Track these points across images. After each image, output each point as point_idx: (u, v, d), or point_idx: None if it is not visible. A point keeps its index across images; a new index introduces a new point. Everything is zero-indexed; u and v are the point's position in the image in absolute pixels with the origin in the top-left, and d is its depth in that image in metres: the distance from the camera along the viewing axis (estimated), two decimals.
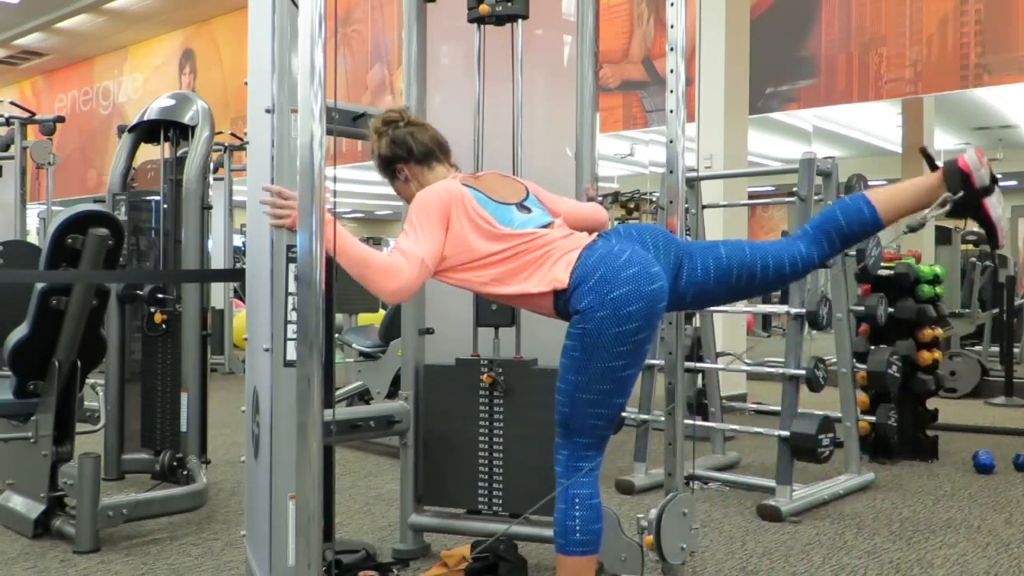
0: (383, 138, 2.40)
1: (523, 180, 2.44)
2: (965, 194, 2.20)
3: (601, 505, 2.21)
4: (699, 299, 2.31)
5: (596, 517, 2.18)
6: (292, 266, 2.23)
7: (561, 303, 2.14)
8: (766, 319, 12.30)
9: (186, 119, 4.10)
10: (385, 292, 2.12)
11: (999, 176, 2.25)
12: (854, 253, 4.19)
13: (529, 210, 2.29)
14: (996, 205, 2.22)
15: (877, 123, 11.60)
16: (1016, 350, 7.72)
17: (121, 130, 4.45)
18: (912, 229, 2.30)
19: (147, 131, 4.29)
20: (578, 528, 2.15)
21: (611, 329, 2.04)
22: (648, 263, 2.10)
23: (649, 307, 2.06)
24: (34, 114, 6.52)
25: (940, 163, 2.24)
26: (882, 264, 4.45)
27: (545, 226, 2.26)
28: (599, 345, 2.06)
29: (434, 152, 2.40)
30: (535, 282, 2.16)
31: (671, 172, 2.65)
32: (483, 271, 2.20)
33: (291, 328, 2.23)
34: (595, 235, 2.26)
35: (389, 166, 2.42)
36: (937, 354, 4.87)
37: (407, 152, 2.38)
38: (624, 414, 4.13)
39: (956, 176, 2.20)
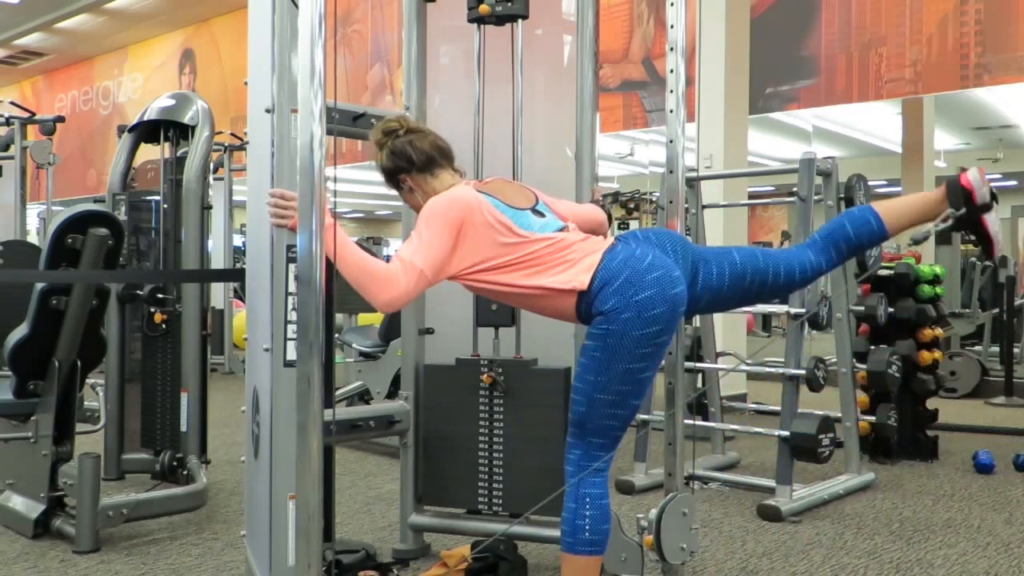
0: (383, 149, 2.38)
1: (528, 186, 2.43)
2: (967, 210, 2.30)
3: (610, 506, 2.22)
4: (713, 303, 2.34)
5: (606, 517, 2.19)
6: (292, 266, 2.23)
7: (584, 305, 2.16)
8: (766, 319, 12.30)
9: (186, 119, 4.10)
10: (378, 302, 2.11)
11: (999, 176, 2.31)
12: None
13: (543, 215, 2.30)
14: (994, 221, 2.33)
15: (877, 123, 11.61)
16: (1016, 350, 7.72)
17: (121, 130, 4.45)
18: (916, 242, 2.38)
19: (147, 131, 4.29)
20: (588, 527, 2.17)
21: (635, 331, 2.07)
22: (670, 267, 2.14)
23: (672, 310, 2.11)
24: (34, 114, 6.52)
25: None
26: (882, 264, 4.46)
27: (561, 230, 2.27)
28: (622, 346, 2.08)
29: (435, 159, 2.36)
30: (556, 280, 2.17)
31: (671, 172, 2.65)
32: (502, 272, 2.20)
33: (291, 328, 2.23)
34: (613, 238, 2.27)
35: (392, 177, 2.40)
36: (937, 354, 4.87)
37: (407, 162, 2.34)
38: None
39: (959, 193, 2.30)
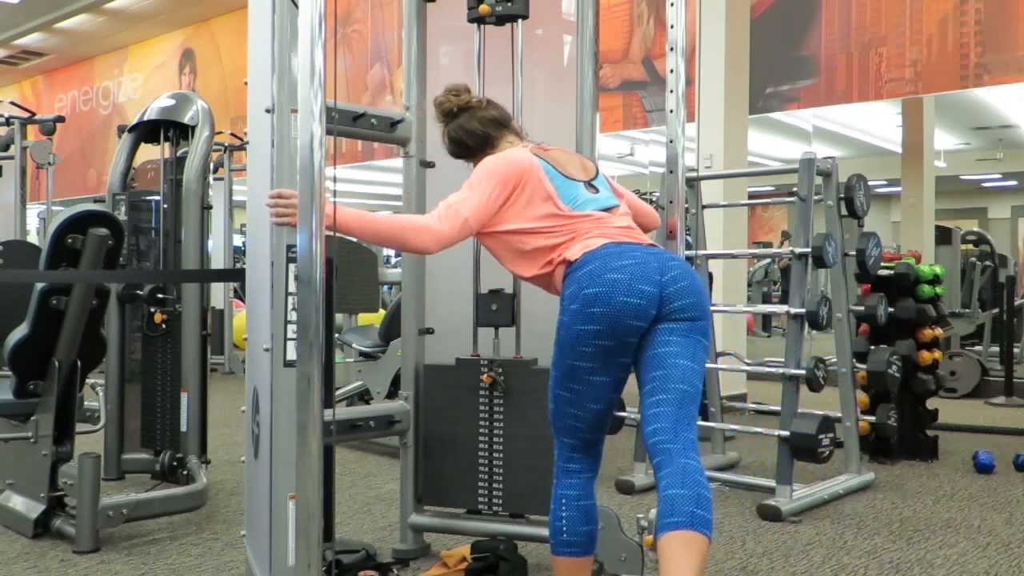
0: (446, 128, 2.47)
1: (592, 160, 2.43)
2: None
3: (594, 507, 2.20)
4: (640, 353, 2.09)
5: (585, 519, 2.16)
6: (292, 266, 2.23)
7: (562, 279, 2.16)
8: (766, 319, 12.30)
9: (186, 119, 4.10)
10: (419, 246, 2.16)
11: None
12: (854, 253, 4.20)
13: (597, 190, 2.29)
14: None
15: (877, 123, 11.61)
16: (1016, 350, 7.71)
17: (121, 130, 4.45)
18: None
19: (147, 131, 4.29)
20: (565, 529, 2.15)
21: (575, 325, 2.04)
22: (640, 279, 2.02)
23: (615, 316, 2.00)
24: (34, 114, 6.52)
25: None
26: (882, 264, 4.45)
27: (608, 209, 2.25)
28: (566, 340, 2.07)
29: (488, 135, 2.42)
30: (559, 257, 2.17)
31: (671, 172, 2.65)
32: (524, 238, 2.21)
33: (291, 328, 2.23)
34: (646, 238, 2.25)
35: (459, 156, 2.47)
36: (937, 354, 4.87)
37: (465, 148, 2.43)
38: (624, 414, 4.14)
39: None
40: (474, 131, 2.40)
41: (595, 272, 2.05)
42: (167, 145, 4.20)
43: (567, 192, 2.22)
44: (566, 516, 2.15)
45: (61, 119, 6.62)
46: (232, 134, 8.53)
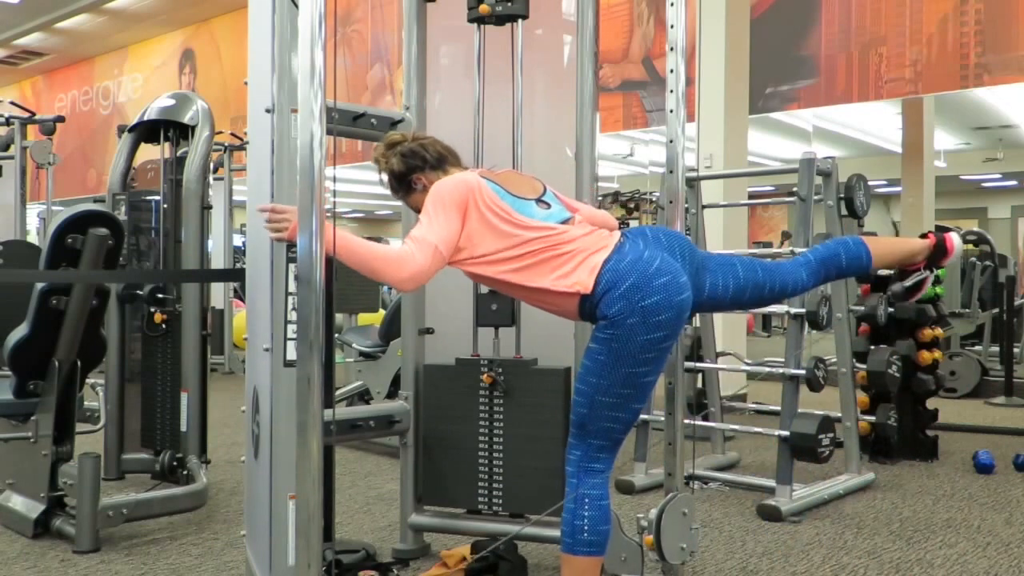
0: (392, 157, 2.40)
1: (537, 178, 2.43)
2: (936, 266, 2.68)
3: (610, 507, 2.22)
4: (710, 308, 2.48)
5: (605, 518, 2.19)
6: (292, 266, 2.23)
7: (588, 307, 2.16)
8: (766, 319, 12.31)
9: (186, 119, 4.10)
10: (396, 281, 2.13)
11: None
12: None
13: (548, 205, 2.30)
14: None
15: (877, 123, 11.60)
16: (1016, 350, 7.71)
17: (121, 130, 4.45)
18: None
19: (147, 131, 4.29)
20: (586, 528, 2.17)
21: (640, 336, 2.08)
22: (678, 273, 2.15)
23: (677, 316, 2.12)
24: (34, 114, 6.52)
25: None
26: None
27: (565, 221, 2.27)
28: (626, 351, 2.09)
29: (446, 157, 2.42)
30: (557, 282, 2.16)
31: (671, 172, 2.65)
32: (503, 264, 2.21)
33: (291, 328, 2.23)
34: (618, 235, 2.26)
35: (404, 179, 2.41)
36: (937, 354, 4.86)
37: (421, 161, 2.39)
38: None
39: (940, 254, 2.65)
40: (435, 150, 2.40)
41: (640, 284, 2.09)
42: (167, 145, 4.21)
43: (521, 208, 2.24)
44: (588, 515, 2.17)
45: (61, 119, 6.62)
46: (232, 134, 8.53)
